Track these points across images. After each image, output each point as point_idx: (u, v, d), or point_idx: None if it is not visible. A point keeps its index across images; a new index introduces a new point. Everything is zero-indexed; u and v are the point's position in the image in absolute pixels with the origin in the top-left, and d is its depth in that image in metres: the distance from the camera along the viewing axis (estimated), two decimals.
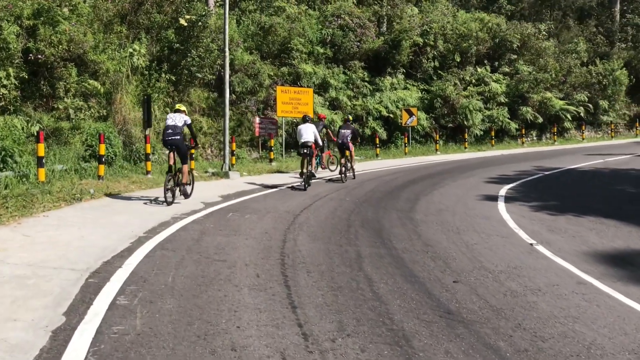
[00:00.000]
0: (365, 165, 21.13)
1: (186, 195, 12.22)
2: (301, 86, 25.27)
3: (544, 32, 32.97)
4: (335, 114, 26.78)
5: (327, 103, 27.03)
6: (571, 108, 31.48)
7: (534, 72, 31.21)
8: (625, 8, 37.97)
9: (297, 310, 5.57)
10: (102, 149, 13.78)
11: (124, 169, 15.83)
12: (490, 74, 31.11)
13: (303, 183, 14.61)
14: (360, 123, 27.53)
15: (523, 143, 29.58)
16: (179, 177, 11.91)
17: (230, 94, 25.07)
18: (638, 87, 33.75)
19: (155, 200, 11.74)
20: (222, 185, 14.99)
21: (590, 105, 31.90)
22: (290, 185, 15.26)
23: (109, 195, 12.06)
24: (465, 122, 28.97)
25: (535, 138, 31.01)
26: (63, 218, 9.36)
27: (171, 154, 11.89)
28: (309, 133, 15.34)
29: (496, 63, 32.10)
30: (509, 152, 26.04)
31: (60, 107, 17.80)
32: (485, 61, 31.80)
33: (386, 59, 29.03)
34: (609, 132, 33.32)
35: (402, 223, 10.43)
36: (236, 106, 24.54)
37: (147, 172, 15.38)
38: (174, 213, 10.37)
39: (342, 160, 16.70)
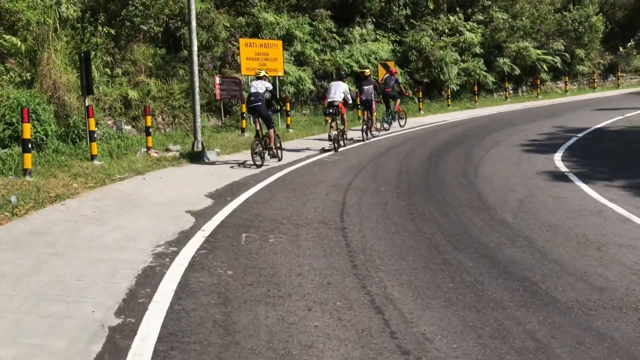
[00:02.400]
0: (353, 133, 17.19)
1: (278, 158, 11.79)
2: (262, 39, 20.78)
3: None
4: (303, 70, 22.51)
5: (293, 58, 22.68)
6: (548, 58, 28.15)
7: (509, 20, 27.65)
8: None
9: None
10: (27, 131, 9.12)
11: (59, 153, 11.20)
12: (464, 23, 27.34)
13: (333, 144, 13.30)
14: (330, 81, 23.34)
15: (506, 98, 26.09)
16: (267, 141, 11.57)
17: (180, 49, 20.47)
18: (611, 35, 30.74)
19: (106, 212, 7.43)
20: (200, 172, 10.69)
21: (567, 55, 28.66)
22: (296, 164, 11.15)
23: (41, 205, 7.60)
24: (442, 77, 25.22)
25: (511, 92, 27.55)
26: None
27: (257, 120, 11.81)
28: (337, 91, 13.72)
29: (469, 10, 28.33)
30: (502, 110, 22.24)
31: None
32: (458, 8, 27.96)
33: (354, 7, 24.76)
34: (587, 83, 30.13)
35: (505, 235, 6.66)
36: (188, 64, 19.97)
37: (92, 157, 10.85)
38: (154, 244, 6.10)
39: (365, 118, 15.68)
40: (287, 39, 22.28)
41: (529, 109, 22.15)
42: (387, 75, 18.65)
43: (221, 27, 20.78)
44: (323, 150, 13.41)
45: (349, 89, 14.79)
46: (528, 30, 27.68)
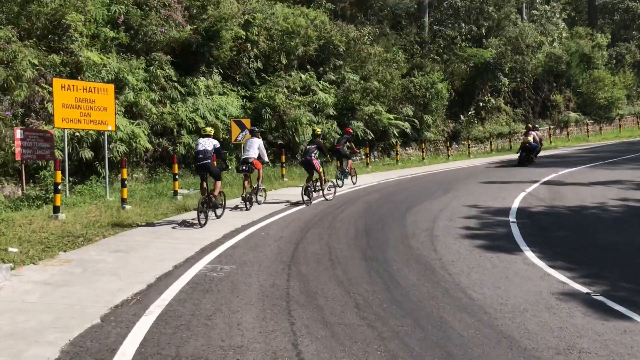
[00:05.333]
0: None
1: (217, 213, 11.07)
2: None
3: (368, 36, 26.71)
4: (137, 124, 17.04)
5: (123, 109, 17.15)
6: (399, 123, 25.64)
7: (361, 82, 24.79)
8: (432, 19, 33.55)
9: None
10: None
11: None
12: (316, 82, 23.86)
13: (244, 204, 12.44)
14: (170, 139, 18.18)
15: (368, 165, 22.70)
16: (211, 197, 10.73)
17: None
18: (452, 103, 29.29)
19: None
20: None
21: (416, 121, 26.42)
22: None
23: None
24: (297, 138, 21.34)
25: (363, 157, 24.30)
26: None
27: (205, 178, 11.01)
28: (253, 148, 12.88)
29: (320, 69, 24.96)
30: (381, 180, 18.30)
31: None
32: (309, 66, 24.46)
33: (199, 54, 20.03)
34: (434, 150, 27.87)
35: None
36: None
37: None
38: None
39: (309, 182, 13.50)
40: (117, 85, 16.72)
41: (408, 180, 18.74)
42: (340, 136, 18.54)
43: (27, 64, 14.81)
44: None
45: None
46: (381, 93, 25.03)
